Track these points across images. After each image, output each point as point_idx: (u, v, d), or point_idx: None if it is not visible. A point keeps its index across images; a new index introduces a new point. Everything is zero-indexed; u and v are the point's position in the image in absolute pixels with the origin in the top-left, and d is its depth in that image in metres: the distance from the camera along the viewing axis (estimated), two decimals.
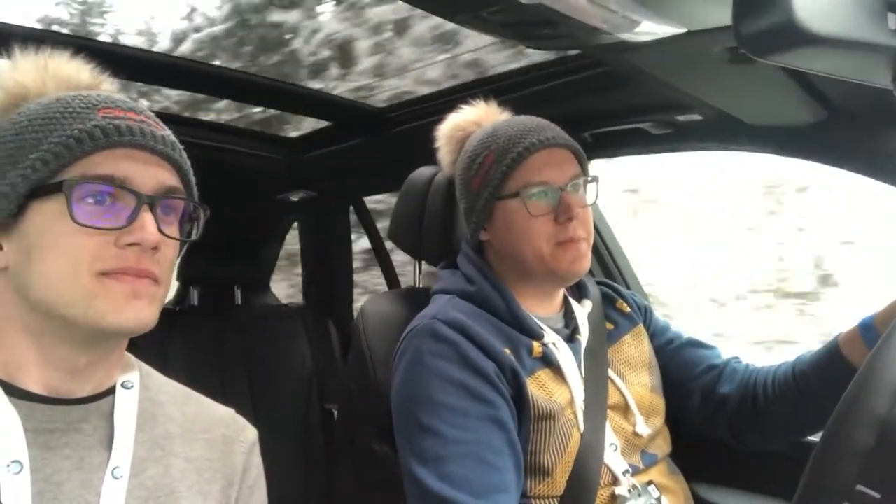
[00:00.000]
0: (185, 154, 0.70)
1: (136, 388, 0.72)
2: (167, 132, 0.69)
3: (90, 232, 0.62)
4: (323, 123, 1.87)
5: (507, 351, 1.00)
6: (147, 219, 0.64)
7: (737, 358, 1.21)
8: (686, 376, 1.18)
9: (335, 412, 2.07)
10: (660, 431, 1.10)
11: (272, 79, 1.57)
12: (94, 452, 0.66)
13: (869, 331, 0.99)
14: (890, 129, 1.03)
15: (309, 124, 2.07)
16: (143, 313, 0.64)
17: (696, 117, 1.21)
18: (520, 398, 0.98)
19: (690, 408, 1.18)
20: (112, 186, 0.64)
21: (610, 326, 1.15)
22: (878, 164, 1.05)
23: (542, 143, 1.04)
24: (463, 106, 1.18)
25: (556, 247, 1.03)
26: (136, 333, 0.65)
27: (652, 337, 1.20)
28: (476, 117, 1.15)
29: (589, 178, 1.08)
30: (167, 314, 2.05)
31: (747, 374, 1.16)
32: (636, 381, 1.11)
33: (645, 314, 1.23)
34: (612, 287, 1.24)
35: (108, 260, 0.63)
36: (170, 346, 1.84)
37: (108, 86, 0.74)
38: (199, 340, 1.94)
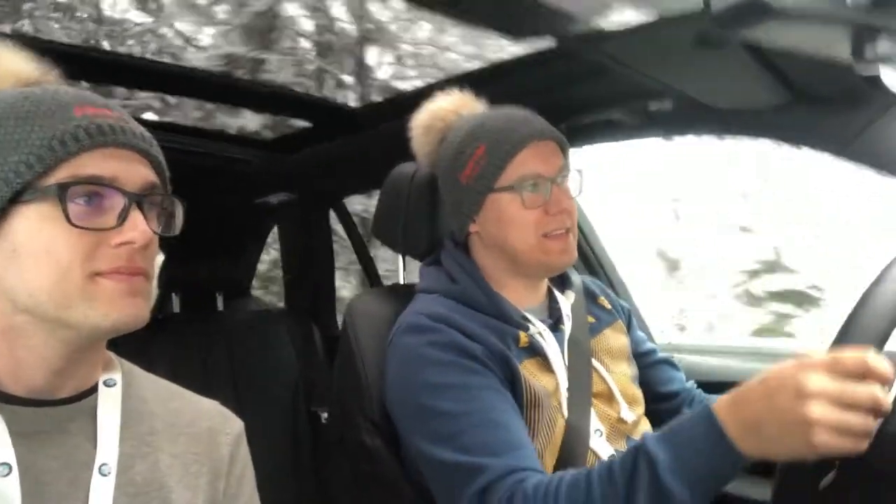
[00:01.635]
0: (159, 148, 0.71)
1: (119, 385, 0.72)
2: (141, 128, 0.69)
3: (82, 233, 0.63)
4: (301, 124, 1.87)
5: (495, 340, 1.02)
6: (138, 218, 0.65)
7: (694, 384, 1.25)
8: (657, 393, 1.21)
9: (322, 416, 2.08)
10: (641, 419, 1.13)
11: (248, 80, 1.58)
12: (81, 451, 0.66)
13: None
14: (851, 109, 1.07)
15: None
16: (141, 310, 0.66)
17: (668, 105, 1.24)
18: (513, 382, 1.00)
19: (655, 424, 1.19)
20: (102, 187, 0.64)
21: (591, 319, 1.17)
22: (842, 143, 1.09)
23: (533, 136, 1.05)
24: (440, 94, 1.17)
25: (545, 238, 1.05)
26: (134, 329, 0.66)
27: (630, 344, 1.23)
28: (454, 106, 1.15)
29: (575, 171, 1.10)
30: (150, 321, 2.06)
31: (702, 400, 1.20)
32: (618, 370, 1.13)
33: (629, 318, 1.25)
34: (595, 283, 1.27)
35: (101, 260, 0.63)
36: (153, 353, 1.83)
37: (51, 78, 0.73)
38: (182, 347, 1.93)
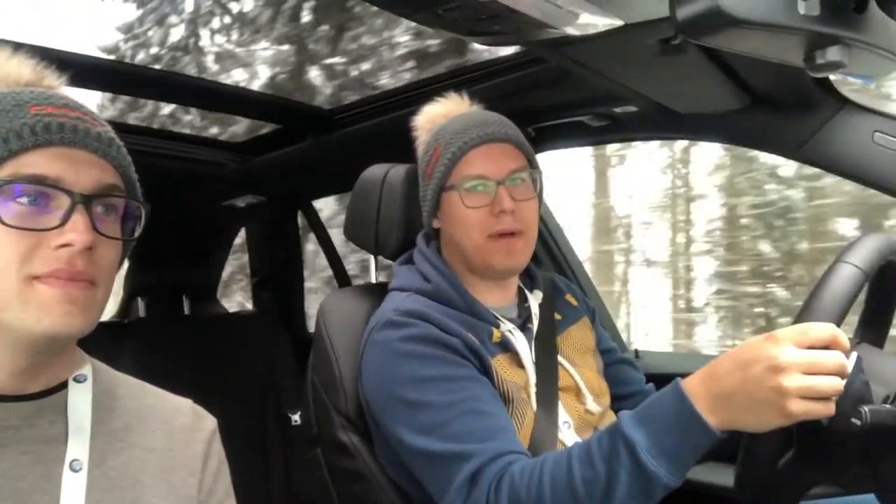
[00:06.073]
0: (124, 151, 0.69)
1: (90, 381, 0.70)
2: (105, 128, 0.67)
3: (20, 234, 0.61)
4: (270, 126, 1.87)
5: (470, 335, 1.04)
6: (80, 219, 0.62)
7: (653, 386, 1.27)
8: (614, 394, 1.22)
9: (293, 418, 2.07)
10: (608, 410, 1.16)
11: (218, 82, 1.57)
12: (51, 446, 0.65)
13: None
14: (805, 114, 1.13)
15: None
16: (76, 319, 0.62)
17: (632, 109, 1.29)
18: (486, 376, 1.03)
19: None
20: (44, 187, 0.62)
21: (558, 317, 1.20)
22: (795, 145, 1.15)
23: (481, 139, 1.08)
24: (438, 99, 1.20)
25: (489, 239, 1.07)
26: (73, 339, 0.64)
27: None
28: (446, 109, 1.18)
29: (533, 172, 1.12)
30: (115, 327, 2.03)
31: None
32: (584, 364, 1.17)
33: (593, 315, 1.28)
34: (562, 281, 1.30)
35: (39, 263, 0.61)
36: (120, 359, 1.77)
37: (52, 81, 0.72)
38: (149, 353, 1.90)
